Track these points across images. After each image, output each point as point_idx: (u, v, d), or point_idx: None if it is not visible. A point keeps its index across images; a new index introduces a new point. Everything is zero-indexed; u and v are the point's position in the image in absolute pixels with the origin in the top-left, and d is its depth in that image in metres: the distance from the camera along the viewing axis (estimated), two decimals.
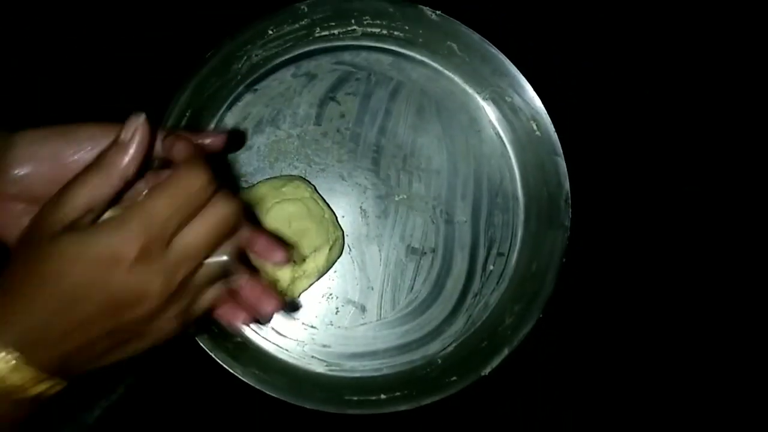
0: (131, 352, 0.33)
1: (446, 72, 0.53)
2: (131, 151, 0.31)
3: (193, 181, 0.30)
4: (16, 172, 0.33)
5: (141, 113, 0.32)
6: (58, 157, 0.33)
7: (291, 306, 0.51)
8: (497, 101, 0.53)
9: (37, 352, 0.29)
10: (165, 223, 0.29)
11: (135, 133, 0.31)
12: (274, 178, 0.51)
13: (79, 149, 0.34)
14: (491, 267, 0.52)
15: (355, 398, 0.48)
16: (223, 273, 0.33)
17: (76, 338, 0.30)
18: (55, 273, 0.29)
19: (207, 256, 0.32)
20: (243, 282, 0.35)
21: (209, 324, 0.49)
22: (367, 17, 0.52)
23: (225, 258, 0.32)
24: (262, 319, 0.39)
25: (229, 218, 0.32)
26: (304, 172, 0.52)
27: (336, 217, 0.51)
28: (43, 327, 0.29)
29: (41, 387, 0.30)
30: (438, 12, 0.51)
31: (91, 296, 0.29)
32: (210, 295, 0.34)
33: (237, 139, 0.52)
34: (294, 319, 0.51)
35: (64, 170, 0.33)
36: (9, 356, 0.28)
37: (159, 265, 0.30)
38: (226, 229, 0.32)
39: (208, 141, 0.37)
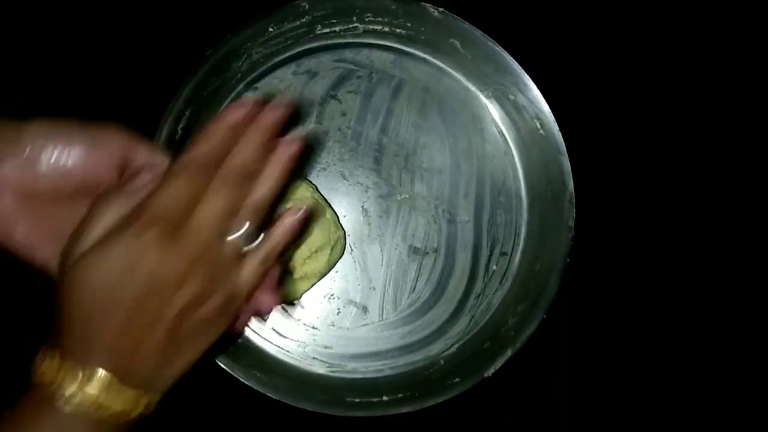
0: (202, 345, 0.33)
1: (449, 70, 0.53)
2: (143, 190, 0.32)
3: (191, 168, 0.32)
4: (23, 161, 0.32)
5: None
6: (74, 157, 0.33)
7: (292, 307, 0.50)
8: (500, 99, 0.52)
9: (121, 370, 0.30)
10: (172, 210, 0.30)
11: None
12: None
13: (100, 154, 0.34)
14: (494, 267, 0.52)
15: (357, 400, 0.48)
16: (250, 241, 0.34)
17: (134, 337, 0.30)
18: (90, 291, 0.29)
19: (226, 228, 0.32)
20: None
21: None
22: (368, 14, 0.51)
23: (246, 225, 0.33)
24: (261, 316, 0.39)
25: (229, 198, 0.32)
26: (304, 171, 0.51)
27: (337, 217, 0.50)
28: (110, 343, 0.30)
29: (140, 406, 0.31)
30: (440, 9, 0.50)
31: (129, 294, 0.29)
32: (249, 270, 0.34)
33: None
34: (295, 320, 0.50)
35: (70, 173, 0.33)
36: (105, 377, 0.29)
37: (180, 247, 0.30)
38: (229, 207, 0.32)
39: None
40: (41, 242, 0.34)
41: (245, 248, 0.33)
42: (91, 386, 0.29)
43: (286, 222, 0.35)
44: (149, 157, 0.35)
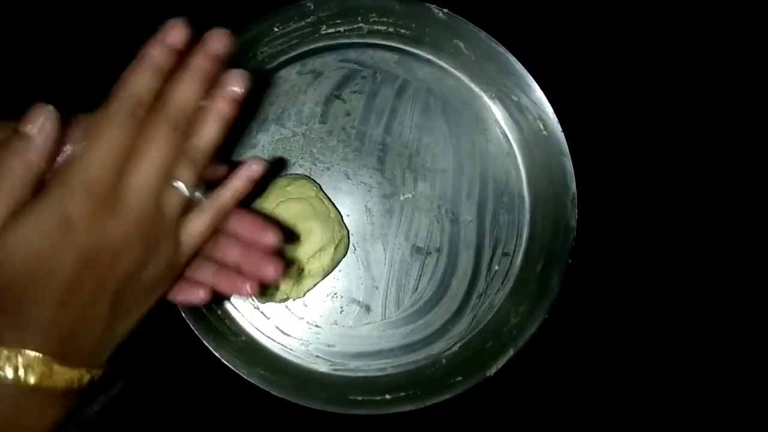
0: (144, 309, 0.31)
1: (452, 70, 0.53)
2: (38, 143, 0.28)
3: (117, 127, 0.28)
4: None
5: (47, 105, 0.29)
6: None
7: (296, 305, 0.51)
8: (504, 100, 0.53)
9: (60, 351, 0.28)
10: (105, 171, 0.27)
11: (43, 123, 0.28)
12: (279, 177, 0.51)
13: None
14: (496, 267, 0.52)
15: (360, 398, 0.48)
16: (191, 200, 0.30)
17: (75, 312, 0.28)
18: (19, 268, 0.27)
19: (168, 180, 0.29)
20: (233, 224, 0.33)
21: (214, 322, 0.49)
22: (373, 15, 0.52)
23: (191, 175, 0.29)
24: (267, 285, 0.36)
25: (169, 147, 0.29)
26: (309, 170, 0.52)
27: (341, 216, 0.51)
28: (46, 324, 0.27)
29: (84, 379, 0.29)
30: (445, 10, 0.50)
31: (64, 267, 0.27)
32: (194, 226, 0.31)
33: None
34: (298, 318, 0.51)
35: None
36: (42, 360, 0.27)
37: (118, 211, 0.27)
38: (170, 158, 0.29)
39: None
40: None
41: (190, 200, 0.30)
42: (28, 370, 0.27)
43: (248, 172, 0.31)
44: None
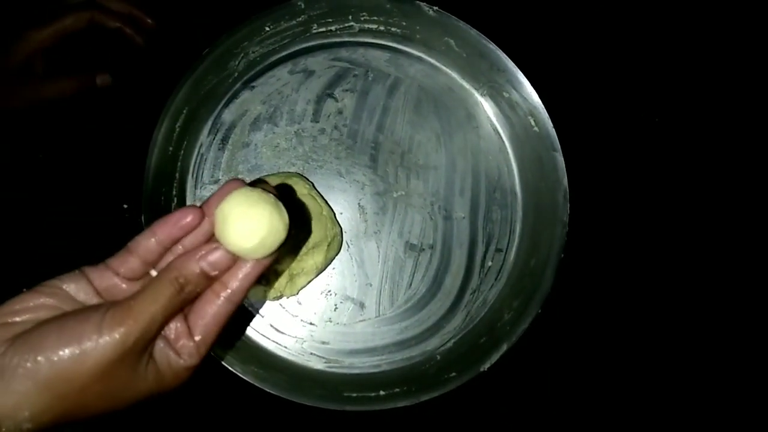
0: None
1: (444, 68, 0.53)
2: None
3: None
4: None
5: None
6: None
7: (290, 303, 0.51)
8: (495, 97, 0.53)
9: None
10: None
11: None
12: (272, 175, 0.51)
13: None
14: (490, 263, 0.52)
15: (354, 395, 0.48)
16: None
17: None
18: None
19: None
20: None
21: None
22: (364, 13, 0.52)
23: None
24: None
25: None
26: (301, 169, 0.52)
27: (334, 214, 0.51)
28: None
29: None
30: (435, 8, 0.51)
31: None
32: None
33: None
34: (293, 316, 0.51)
35: None
36: None
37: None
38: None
39: None
40: None
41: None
42: None
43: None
44: None
